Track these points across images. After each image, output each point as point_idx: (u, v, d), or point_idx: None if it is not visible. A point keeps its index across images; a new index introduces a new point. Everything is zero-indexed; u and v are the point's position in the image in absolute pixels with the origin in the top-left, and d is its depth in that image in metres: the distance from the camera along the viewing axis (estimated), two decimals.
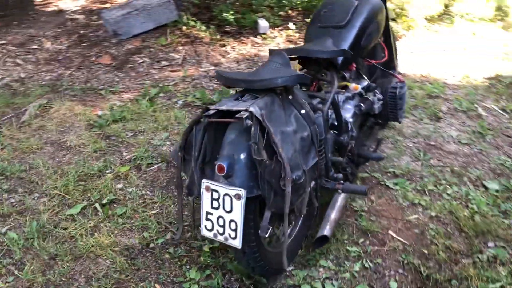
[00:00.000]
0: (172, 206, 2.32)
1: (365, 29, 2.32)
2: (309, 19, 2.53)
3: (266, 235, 1.64)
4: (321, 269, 2.03)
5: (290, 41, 4.71)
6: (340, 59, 2.20)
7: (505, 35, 5.82)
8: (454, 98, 3.81)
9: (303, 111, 1.76)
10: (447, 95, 3.90)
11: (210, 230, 1.63)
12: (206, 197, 1.62)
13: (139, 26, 4.43)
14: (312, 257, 2.08)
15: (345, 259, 2.09)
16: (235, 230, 1.58)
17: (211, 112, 1.60)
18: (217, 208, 1.60)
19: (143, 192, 2.41)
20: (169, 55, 4.15)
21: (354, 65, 2.39)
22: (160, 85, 3.60)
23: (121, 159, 2.67)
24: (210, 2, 4.72)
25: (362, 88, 2.38)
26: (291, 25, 4.87)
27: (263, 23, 4.75)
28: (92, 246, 2.03)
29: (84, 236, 2.08)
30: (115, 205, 2.31)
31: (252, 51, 4.43)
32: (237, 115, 1.53)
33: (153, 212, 2.28)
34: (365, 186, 2.27)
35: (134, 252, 2.04)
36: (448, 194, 2.58)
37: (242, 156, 1.59)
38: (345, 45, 2.23)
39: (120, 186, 2.44)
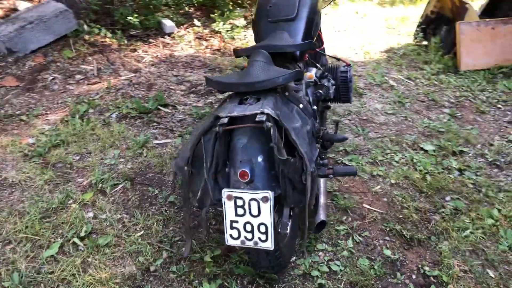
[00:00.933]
0: (156, 223, 2.23)
1: (313, 20, 2.43)
2: (253, 15, 2.57)
3: (287, 231, 1.68)
4: (320, 253, 2.13)
5: (200, 38, 4.69)
6: (299, 51, 2.28)
7: (382, 11, 6.41)
8: (366, 74, 4.15)
9: (301, 106, 1.81)
10: (358, 72, 4.22)
11: (237, 238, 1.63)
12: (229, 206, 1.61)
13: (37, 40, 4.05)
14: (309, 244, 2.16)
15: (338, 238, 2.22)
16: (265, 233, 1.59)
17: (225, 120, 1.57)
18: (242, 215, 1.60)
19: (119, 216, 2.28)
20: (81, 68, 3.88)
21: (307, 55, 2.49)
22: (85, 100, 3.36)
23: (79, 186, 2.48)
24: (109, 6, 4.47)
25: (316, 76, 2.49)
26: (196, 21, 4.83)
27: (168, 23, 4.65)
28: (91, 283, 1.88)
29: (77, 275, 1.92)
30: (95, 236, 2.15)
31: (165, 52, 4.32)
32: (256, 119, 1.53)
33: (138, 234, 2.17)
34: (353, 166, 2.40)
35: (137, 280, 1.94)
36: (396, 162, 2.85)
37: (260, 159, 1.61)
38: (299, 37, 2.32)
39: (91, 214, 2.28)
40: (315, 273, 2.01)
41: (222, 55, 4.35)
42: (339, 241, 2.20)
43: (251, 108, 1.61)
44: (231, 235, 1.64)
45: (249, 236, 1.62)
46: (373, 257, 2.11)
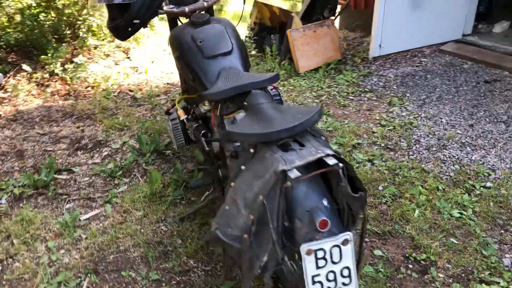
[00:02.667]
0: None
1: (246, 50, 2.41)
2: (176, 52, 2.40)
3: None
4: None
5: (40, 84, 4.03)
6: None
7: None
8: None
9: (323, 137, 1.80)
10: None
11: None
12: (309, 261, 1.53)
13: None
14: None
15: None
16: (348, 276, 1.58)
17: (296, 172, 1.46)
18: (323, 266, 1.55)
19: None
20: None
21: None
22: None
23: None
24: None
25: None
26: (25, 66, 4.12)
27: None
28: None
29: None
30: None
31: (7, 109, 3.61)
32: (330, 164, 1.47)
33: None
34: None
35: None
36: None
37: (325, 203, 1.57)
38: (244, 68, 2.29)
39: None
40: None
41: (77, 99, 3.86)
42: None
43: (309, 152, 1.54)
44: None
45: (332, 285, 1.57)
46: (371, 262, 2.26)
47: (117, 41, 4.94)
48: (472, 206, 2.66)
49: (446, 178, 2.93)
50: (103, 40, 4.91)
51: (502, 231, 2.51)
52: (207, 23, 2.41)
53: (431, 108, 3.90)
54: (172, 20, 2.65)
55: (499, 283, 2.16)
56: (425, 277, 2.21)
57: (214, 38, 2.34)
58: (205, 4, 2.53)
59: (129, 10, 2.34)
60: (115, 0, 2.30)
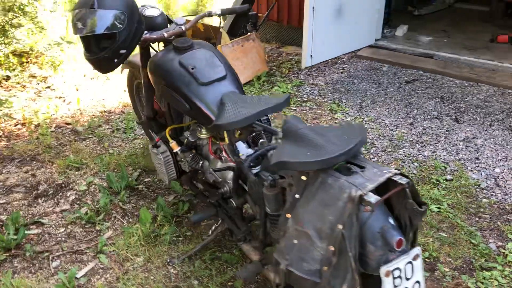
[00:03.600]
0: None
1: (236, 74, 2.36)
2: (156, 83, 2.27)
3: None
4: None
5: None
6: None
7: None
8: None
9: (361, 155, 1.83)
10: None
11: None
12: (388, 282, 1.56)
13: None
14: None
15: None
16: None
17: (373, 195, 1.46)
18: (399, 285, 1.58)
19: None
20: None
21: None
22: None
23: None
24: None
25: None
26: None
27: None
28: None
29: None
30: None
31: None
32: (402, 183, 1.50)
33: None
34: None
35: None
36: None
37: (391, 221, 1.60)
38: (242, 91, 2.25)
39: None
40: None
41: (10, 140, 3.41)
42: None
43: (373, 173, 1.55)
44: None
45: None
46: None
47: (32, 70, 4.48)
48: (445, 200, 2.90)
49: (412, 176, 3.15)
50: (13, 69, 4.41)
51: (477, 219, 2.77)
52: (191, 48, 2.31)
53: (370, 112, 4.16)
54: (145, 48, 2.48)
55: (496, 267, 2.38)
56: (435, 274, 2.35)
57: (206, 63, 2.26)
58: (183, 28, 2.41)
59: (115, 40, 2.15)
60: (97, 31, 2.09)
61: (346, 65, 5.24)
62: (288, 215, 1.65)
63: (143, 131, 3.64)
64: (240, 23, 5.30)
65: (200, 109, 2.14)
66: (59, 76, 4.62)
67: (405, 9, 7.09)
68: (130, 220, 2.60)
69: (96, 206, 2.67)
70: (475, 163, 3.33)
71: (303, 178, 1.64)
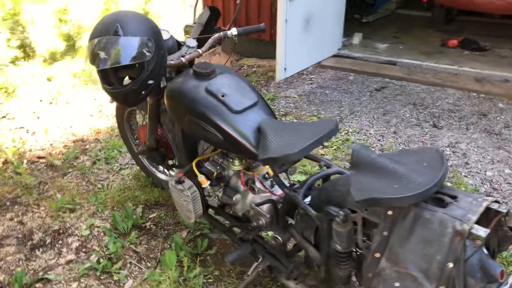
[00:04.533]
0: None
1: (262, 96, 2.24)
2: (176, 112, 2.09)
3: None
4: None
5: None
6: None
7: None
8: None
9: None
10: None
11: None
12: None
13: None
14: None
15: None
16: None
17: (482, 228, 1.39)
18: None
19: None
20: None
21: None
22: None
23: None
24: None
25: None
26: None
27: None
28: None
29: None
30: None
31: None
32: (503, 211, 1.45)
33: None
34: None
35: None
36: None
37: (485, 251, 1.55)
38: (274, 116, 2.12)
39: None
40: None
41: None
42: None
43: (469, 203, 1.47)
44: None
45: None
46: None
47: None
48: None
49: None
50: None
51: None
52: (213, 73, 2.13)
53: (351, 122, 4.17)
54: None
55: None
56: None
57: (236, 89, 2.10)
58: (200, 51, 2.23)
59: (143, 70, 1.92)
60: (123, 61, 1.85)
61: (313, 76, 5.24)
62: (377, 255, 1.54)
63: (128, 160, 3.37)
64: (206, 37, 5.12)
65: (237, 140, 1.97)
66: (13, 103, 4.16)
67: (352, 17, 7.26)
68: (148, 264, 2.36)
69: (106, 252, 2.39)
70: (466, 168, 3.43)
71: (389, 213, 1.54)
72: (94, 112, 4.22)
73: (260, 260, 2.14)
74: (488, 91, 4.61)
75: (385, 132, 3.97)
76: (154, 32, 1.96)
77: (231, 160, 2.14)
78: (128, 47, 1.84)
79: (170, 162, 2.76)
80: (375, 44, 6.04)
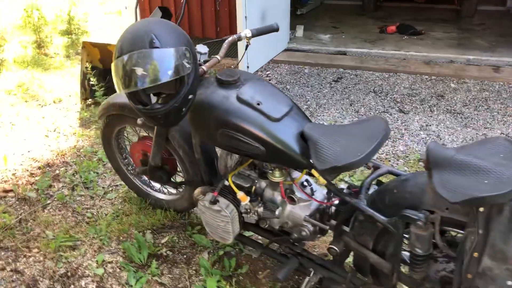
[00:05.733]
0: None
1: None
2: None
3: None
4: None
5: None
6: None
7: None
8: None
9: None
10: None
11: None
12: None
13: None
14: None
15: None
16: None
17: None
18: None
19: None
20: None
21: None
22: None
23: None
24: None
25: None
26: None
27: None
28: None
29: None
30: None
31: None
32: None
33: None
34: None
35: None
36: None
37: None
38: (308, 119, 2.01)
39: None
40: None
41: None
42: None
43: None
44: None
45: None
46: None
47: None
48: None
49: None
50: None
51: None
52: (239, 81, 1.98)
53: (323, 115, 4.17)
54: None
55: None
56: None
57: (269, 96, 1.96)
58: (219, 57, 2.05)
59: (184, 85, 1.71)
60: (163, 78, 1.62)
61: (268, 72, 5.17)
62: (476, 254, 1.51)
63: (110, 182, 3.06)
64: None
65: (281, 150, 1.84)
66: None
67: None
68: None
69: None
70: None
71: (481, 210, 1.51)
72: (48, 132, 3.79)
73: (312, 274, 2.03)
74: (438, 73, 4.85)
75: None
76: (188, 40, 1.75)
77: (270, 171, 2.00)
78: (166, 61, 1.62)
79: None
80: (318, 36, 6.10)
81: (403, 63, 5.10)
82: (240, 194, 1.99)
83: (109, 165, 3.20)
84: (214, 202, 2.02)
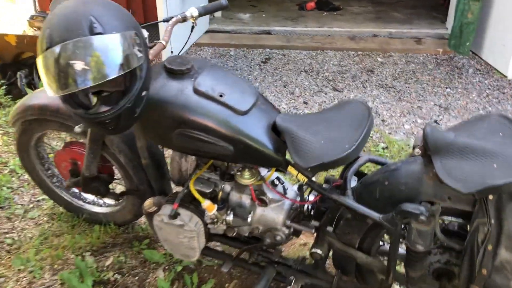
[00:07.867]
0: None
1: None
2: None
3: None
4: None
5: None
6: None
7: None
8: None
9: None
10: None
11: None
12: None
13: None
14: None
15: None
16: None
17: None
18: None
19: None
20: None
21: None
22: None
23: None
24: None
25: None
26: None
27: None
28: None
29: None
30: None
31: None
32: None
33: None
34: None
35: None
36: None
37: None
38: (277, 109, 1.79)
39: None
40: None
41: None
42: None
43: None
44: None
45: None
46: None
47: None
48: None
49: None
50: None
51: None
52: (193, 69, 1.67)
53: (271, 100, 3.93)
54: None
55: None
56: None
57: (231, 85, 1.68)
58: (164, 43, 1.71)
59: (136, 78, 1.36)
60: (111, 73, 1.26)
61: (193, 56, 4.80)
62: (490, 247, 1.37)
63: (30, 198, 2.58)
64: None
65: (253, 147, 1.58)
66: None
67: None
68: None
69: None
70: (386, 125, 3.53)
71: (491, 197, 1.37)
72: None
73: (293, 283, 1.80)
74: (363, 48, 4.82)
75: (296, 104, 3.84)
76: (134, 22, 1.40)
77: (238, 173, 1.72)
78: (114, 49, 1.26)
79: None
80: (238, 15, 5.82)
81: (329, 40, 5.00)
82: (206, 204, 1.69)
83: (25, 177, 2.71)
84: (175, 216, 1.70)
